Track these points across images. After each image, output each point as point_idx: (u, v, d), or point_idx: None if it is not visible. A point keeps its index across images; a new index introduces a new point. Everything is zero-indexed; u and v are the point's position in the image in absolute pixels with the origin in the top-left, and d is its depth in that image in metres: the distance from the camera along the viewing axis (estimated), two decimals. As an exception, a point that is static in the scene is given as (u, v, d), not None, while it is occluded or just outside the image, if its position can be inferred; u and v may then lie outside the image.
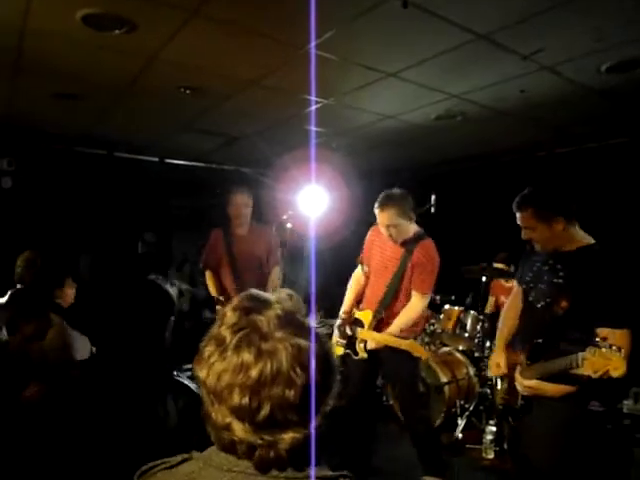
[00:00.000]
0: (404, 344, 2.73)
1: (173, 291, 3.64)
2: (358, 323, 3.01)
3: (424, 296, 2.90)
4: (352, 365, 3.01)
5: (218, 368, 0.78)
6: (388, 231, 2.86)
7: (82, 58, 2.75)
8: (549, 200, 2.09)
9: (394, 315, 2.93)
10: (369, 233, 3.18)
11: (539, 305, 2.14)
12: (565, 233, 2.06)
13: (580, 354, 1.80)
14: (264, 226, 3.97)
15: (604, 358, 1.73)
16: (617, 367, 1.71)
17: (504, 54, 2.53)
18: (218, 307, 3.71)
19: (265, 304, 0.84)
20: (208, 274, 3.89)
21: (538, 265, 2.20)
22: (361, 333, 2.94)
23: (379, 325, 2.95)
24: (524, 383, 2.09)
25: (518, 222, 2.16)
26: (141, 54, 2.67)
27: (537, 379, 2.03)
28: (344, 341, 3.02)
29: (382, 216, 2.83)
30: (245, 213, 3.78)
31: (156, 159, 5.48)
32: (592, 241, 2.08)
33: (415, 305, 2.89)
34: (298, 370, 0.77)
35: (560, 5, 2.04)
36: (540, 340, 2.08)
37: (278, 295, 0.88)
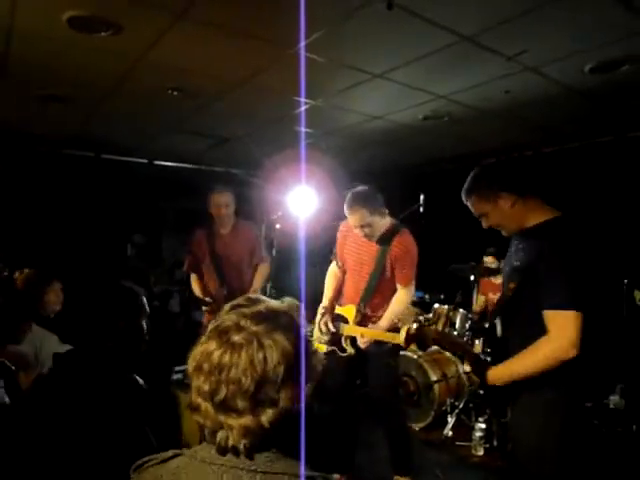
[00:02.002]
0: (396, 338, 2.63)
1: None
2: (340, 319, 2.95)
3: (408, 287, 2.89)
4: (333, 361, 2.93)
5: (194, 353, 0.88)
6: (362, 231, 2.79)
7: (68, 60, 2.74)
8: (485, 181, 1.98)
9: (377, 308, 2.90)
10: (340, 228, 3.12)
11: (504, 289, 2.01)
12: (519, 210, 1.91)
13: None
14: (248, 223, 3.89)
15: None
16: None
17: (489, 55, 2.56)
18: (204, 308, 3.65)
19: (255, 303, 0.93)
20: (193, 277, 3.82)
21: (511, 249, 2.08)
22: (348, 329, 2.88)
23: (363, 320, 2.90)
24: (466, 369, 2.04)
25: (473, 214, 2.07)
26: (128, 56, 2.66)
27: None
28: (327, 338, 2.94)
29: (354, 218, 2.77)
30: (226, 213, 3.66)
31: (145, 161, 5.46)
32: (553, 215, 1.88)
33: (401, 297, 2.88)
34: (257, 362, 0.83)
35: (542, 7, 2.08)
36: (486, 325, 2.01)
37: (279, 301, 0.97)
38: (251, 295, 0.97)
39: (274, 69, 2.82)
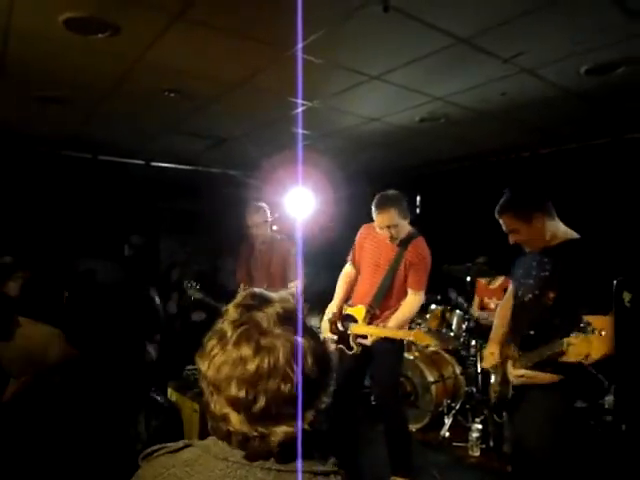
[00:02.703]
0: (411, 335, 2.79)
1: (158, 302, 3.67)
2: (349, 319, 3.03)
3: (419, 293, 2.97)
4: (341, 360, 3.02)
5: (218, 361, 0.82)
6: (389, 232, 2.88)
7: (66, 61, 2.74)
8: (524, 199, 2.17)
9: (386, 310, 2.98)
10: (360, 232, 3.21)
11: (527, 299, 2.20)
12: (547, 229, 2.13)
13: (565, 339, 1.86)
14: (283, 240, 3.91)
15: (586, 342, 1.79)
16: (598, 348, 1.79)
17: (485, 57, 2.57)
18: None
19: (266, 302, 0.88)
20: (241, 287, 3.91)
21: (528, 262, 2.27)
22: (358, 328, 2.95)
23: (372, 320, 2.98)
24: (514, 373, 2.14)
25: (503, 228, 2.24)
26: (125, 58, 2.66)
27: (527, 368, 2.08)
28: (335, 337, 3.03)
29: (383, 217, 2.86)
30: (258, 233, 3.75)
31: (142, 162, 5.45)
32: (575, 235, 2.17)
33: (411, 302, 2.97)
34: (294, 366, 0.80)
35: (539, 10, 2.09)
36: (531, 332, 2.13)
37: (280, 295, 0.92)
38: (255, 292, 0.92)
39: (271, 70, 2.82)
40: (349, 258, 3.25)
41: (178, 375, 3.64)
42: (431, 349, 4.33)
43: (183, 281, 4.07)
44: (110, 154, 5.16)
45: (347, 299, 3.19)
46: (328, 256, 3.90)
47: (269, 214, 3.78)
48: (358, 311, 3.01)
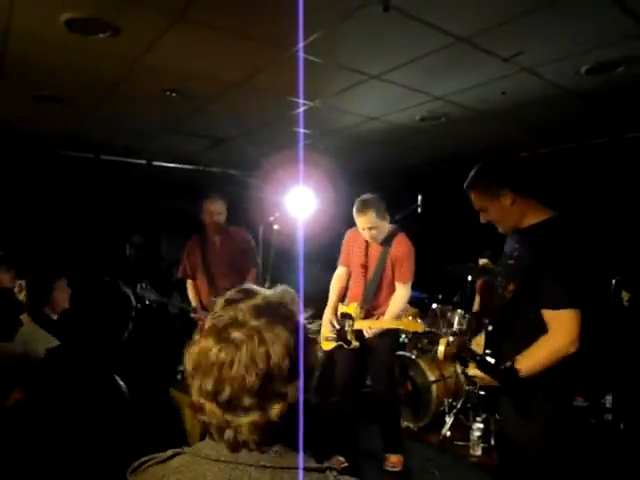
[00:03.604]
0: (402, 324, 3.00)
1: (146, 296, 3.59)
2: (345, 316, 3.23)
3: (406, 285, 3.21)
4: (341, 357, 3.29)
5: (192, 352, 0.85)
6: (370, 233, 3.12)
7: (66, 61, 2.74)
8: (490, 176, 2.02)
9: (378, 306, 3.24)
10: (346, 236, 3.45)
11: (500, 290, 2.03)
12: (518, 208, 1.95)
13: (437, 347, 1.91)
14: (239, 229, 3.98)
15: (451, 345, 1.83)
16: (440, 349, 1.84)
17: (485, 57, 2.57)
18: (193, 315, 3.71)
19: (249, 295, 0.89)
20: (189, 283, 3.88)
21: (506, 248, 2.12)
22: (356, 323, 3.16)
23: (366, 316, 3.20)
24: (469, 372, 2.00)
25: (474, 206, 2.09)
26: (125, 58, 2.67)
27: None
28: (334, 335, 3.23)
29: (363, 220, 3.10)
30: (218, 220, 3.77)
31: (143, 162, 5.46)
32: (549, 215, 1.92)
33: (400, 295, 3.20)
34: (259, 358, 0.80)
35: (539, 9, 2.09)
36: (490, 328, 1.99)
37: (272, 289, 0.93)
38: (244, 286, 0.93)
39: (272, 70, 2.83)
40: (339, 262, 3.46)
41: (178, 374, 3.65)
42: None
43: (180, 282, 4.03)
44: (110, 154, 5.17)
45: (342, 300, 3.39)
46: (329, 255, 3.90)
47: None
48: (352, 308, 3.23)
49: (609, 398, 3.25)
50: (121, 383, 1.43)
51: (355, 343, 3.16)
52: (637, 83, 2.88)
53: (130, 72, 2.87)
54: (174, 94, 3.23)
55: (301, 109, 3.56)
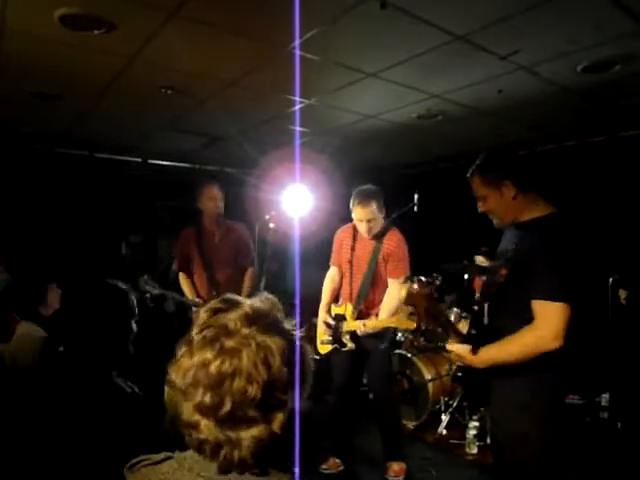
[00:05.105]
0: (393, 322, 2.93)
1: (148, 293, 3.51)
2: (339, 317, 3.17)
3: (399, 280, 3.04)
4: (337, 359, 3.22)
5: (184, 366, 0.81)
6: (367, 225, 3.03)
7: (61, 58, 2.72)
8: (494, 164, 2.01)
9: (372, 304, 3.15)
10: (336, 236, 3.38)
11: (494, 279, 2.01)
12: (519, 202, 1.94)
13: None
14: (237, 223, 3.83)
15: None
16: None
17: (482, 54, 2.57)
18: (194, 309, 3.56)
19: (235, 304, 0.87)
20: (182, 276, 3.70)
21: (503, 241, 2.12)
22: (349, 324, 3.08)
23: (360, 316, 3.11)
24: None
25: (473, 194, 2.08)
26: (121, 54, 2.65)
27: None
28: (330, 338, 3.15)
29: (363, 212, 3.00)
30: (218, 206, 3.61)
31: (139, 160, 5.44)
32: (548, 211, 1.93)
33: (394, 291, 3.06)
34: (260, 367, 0.78)
35: (536, 7, 2.08)
36: (476, 307, 2.01)
37: (255, 298, 0.91)
38: (226, 297, 0.90)
39: (268, 68, 2.81)
40: (331, 262, 3.40)
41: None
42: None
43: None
44: (106, 151, 5.15)
45: (336, 300, 3.32)
46: (325, 254, 3.89)
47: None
48: (344, 308, 3.16)
49: (605, 396, 3.26)
50: (121, 384, 1.41)
51: (350, 345, 3.08)
52: (634, 81, 2.88)
53: (126, 69, 2.85)
54: (170, 91, 3.21)
55: (297, 107, 3.55)
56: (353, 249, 3.20)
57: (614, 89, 3.04)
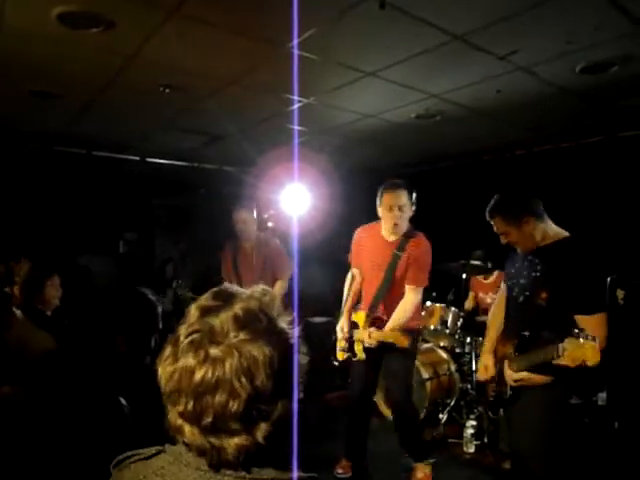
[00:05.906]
0: (391, 337, 2.80)
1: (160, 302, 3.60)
2: (354, 325, 3.07)
3: (417, 289, 2.95)
4: (355, 367, 3.12)
5: (168, 370, 0.78)
6: (396, 215, 2.82)
7: (59, 56, 2.71)
8: (512, 205, 2.23)
9: (390, 309, 2.96)
10: (356, 235, 3.18)
11: (521, 299, 2.25)
12: (538, 230, 2.18)
13: (560, 345, 1.87)
14: (270, 238, 4.00)
15: (581, 349, 1.80)
16: (592, 357, 1.78)
17: (480, 55, 2.57)
18: None
19: (227, 303, 0.81)
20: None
21: (520, 262, 2.31)
22: (359, 334, 2.98)
23: (375, 323, 2.98)
24: (513, 376, 2.18)
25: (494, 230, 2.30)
26: (119, 53, 2.64)
27: (525, 370, 2.12)
28: (346, 345, 3.06)
29: (395, 197, 2.83)
30: (245, 229, 3.81)
31: (137, 158, 5.43)
32: (566, 234, 2.21)
33: (410, 299, 2.92)
34: (243, 380, 0.74)
35: (534, 8, 2.09)
36: (526, 333, 2.16)
37: (251, 291, 0.86)
38: (221, 288, 0.86)
39: (267, 67, 2.81)
40: (351, 264, 3.25)
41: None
42: (427, 346, 4.36)
43: (177, 278, 4.07)
44: (104, 150, 5.13)
45: (357, 303, 3.19)
46: (324, 253, 3.90)
47: (258, 213, 3.83)
48: (359, 317, 3.03)
49: (602, 396, 3.26)
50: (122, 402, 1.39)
51: (361, 355, 2.96)
52: (631, 82, 2.89)
53: (124, 67, 2.84)
54: (169, 90, 3.20)
55: (296, 106, 3.55)
56: (372, 251, 3.04)
57: (612, 90, 3.05)
